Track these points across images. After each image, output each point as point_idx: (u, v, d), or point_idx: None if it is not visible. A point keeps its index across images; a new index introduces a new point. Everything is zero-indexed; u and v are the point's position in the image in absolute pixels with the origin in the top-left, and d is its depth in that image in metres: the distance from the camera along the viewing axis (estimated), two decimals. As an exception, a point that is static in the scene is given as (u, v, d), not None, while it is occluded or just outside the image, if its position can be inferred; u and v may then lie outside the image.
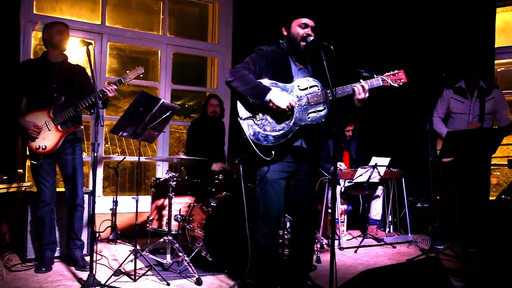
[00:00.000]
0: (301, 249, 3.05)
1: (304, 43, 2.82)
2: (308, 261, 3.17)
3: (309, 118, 2.80)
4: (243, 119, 2.75)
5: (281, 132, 2.77)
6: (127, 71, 3.56)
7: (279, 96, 2.69)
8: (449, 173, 4.47)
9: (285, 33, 2.95)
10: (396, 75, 2.82)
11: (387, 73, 2.83)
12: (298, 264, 3.06)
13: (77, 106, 3.48)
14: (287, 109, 2.71)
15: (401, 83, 2.82)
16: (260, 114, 2.77)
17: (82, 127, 3.78)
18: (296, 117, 2.78)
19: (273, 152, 2.74)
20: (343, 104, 2.86)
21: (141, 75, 3.56)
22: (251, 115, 2.77)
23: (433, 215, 4.86)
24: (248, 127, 2.74)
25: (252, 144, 2.71)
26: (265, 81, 2.79)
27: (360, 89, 2.74)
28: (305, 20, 2.86)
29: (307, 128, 2.82)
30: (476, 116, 4.55)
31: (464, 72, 4.61)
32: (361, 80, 2.77)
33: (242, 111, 2.77)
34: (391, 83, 2.81)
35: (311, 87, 2.84)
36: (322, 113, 2.82)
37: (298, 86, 2.83)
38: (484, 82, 4.56)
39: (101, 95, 3.43)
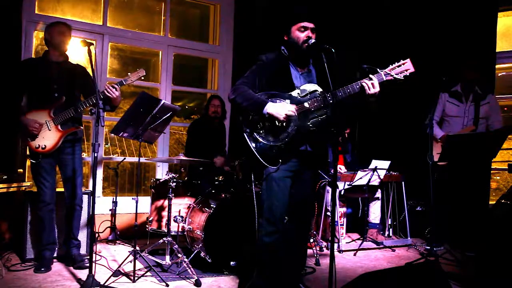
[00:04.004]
0: (295, 247, 3.05)
1: (306, 45, 2.83)
2: (301, 260, 3.16)
3: (310, 123, 2.83)
4: (248, 132, 2.84)
5: (284, 140, 2.82)
6: (129, 73, 3.56)
7: (277, 108, 2.75)
8: (443, 176, 4.48)
9: (286, 38, 2.97)
10: (402, 65, 2.69)
11: (391, 66, 2.70)
12: (291, 263, 3.04)
13: (78, 107, 3.48)
14: (285, 120, 2.76)
15: (407, 74, 2.67)
16: (262, 126, 2.83)
17: (82, 127, 3.78)
18: (298, 124, 2.81)
19: (280, 160, 2.83)
20: (352, 104, 2.88)
21: (142, 77, 3.56)
22: (254, 128, 2.84)
23: (429, 218, 4.87)
24: (253, 139, 2.82)
25: (258, 156, 2.80)
26: (264, 94, 2.85)
27: (370, 84, 2.66)
28: (303, 24, 2.87)
29: (311, 133, 2.85)
30: (471, 120, 4.64)
31: (460, 73, 4.67)
32: (370, 75, 2.69)
33: (246, 125, 2.86)
34: (396, 76, 2.68)
35: (311, 92, 2.85)
36: (324, 117, 2.84)
37: (299, 93, 2.87)
38: (479, 87, 4.65)
39: (101, 96, 3.42)
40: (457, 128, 4.61)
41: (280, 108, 2.75)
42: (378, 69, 2.72)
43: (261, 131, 2.84)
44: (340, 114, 2.91)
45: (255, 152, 2.80)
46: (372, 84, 2.66)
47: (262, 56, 2.99)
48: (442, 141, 4.57)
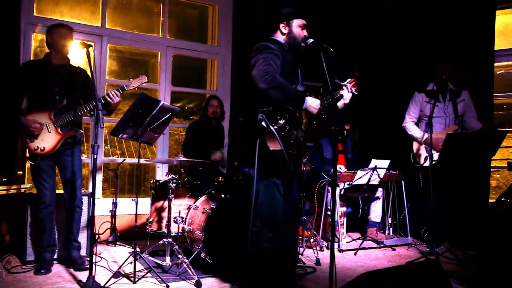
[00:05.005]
0: (286, 238, 3.02)
1: (303, 45, 2.82)
2: (294, 253, 3.16)
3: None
4: (275, 128, 2.67)
5: (297, 139, 2.80)
6: (131, 79, 3.57)
7: (313, 102, 2.76)
8: (436, 176, 4.45)
9: (285, 30, 2.88)
10: (353, 82, 3.01)
11: (348, 80, 3.00)
12: (283, 255, 3.01)
13: (78, 110, 3.48)
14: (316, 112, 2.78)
15: (354, 91, 3.01)
16: (287, 125, 2.74)
17: (82, 131, 3.78)
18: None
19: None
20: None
21: (144, 84, 3.57)
22: (280, 125, 2.71)
23: (424, 218, 4.86)
24: (281, 138, 2.67)
25: (286, 155, 2.64)
26: None
27: (346, 95, 2.92)
28: (304, 21, 2.85)
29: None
30: (453, 119, 4.60)
31: (434, 72, 4.66)
32: (343, 87, 2.94)
33: (274, 121, 2.70)
34: (353, 90, 3.00)
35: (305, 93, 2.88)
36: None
37: (307, 93, 2.86)
38: (452, 84, 4.59)
39: (102, 100, 3.40)
40: (439, 128, 4.56)
41: (315, 102, 2.76)
42: (342, 83, 3.00)
43: (286, 128, 2.71)
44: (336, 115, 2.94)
45: (284, 152, 2.62)
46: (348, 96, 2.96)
47: (267, 44, 2.80)
48: (426, 142, 4.50)
